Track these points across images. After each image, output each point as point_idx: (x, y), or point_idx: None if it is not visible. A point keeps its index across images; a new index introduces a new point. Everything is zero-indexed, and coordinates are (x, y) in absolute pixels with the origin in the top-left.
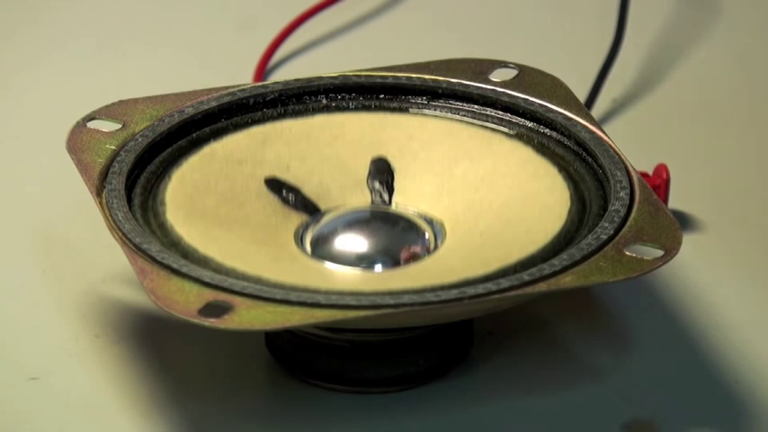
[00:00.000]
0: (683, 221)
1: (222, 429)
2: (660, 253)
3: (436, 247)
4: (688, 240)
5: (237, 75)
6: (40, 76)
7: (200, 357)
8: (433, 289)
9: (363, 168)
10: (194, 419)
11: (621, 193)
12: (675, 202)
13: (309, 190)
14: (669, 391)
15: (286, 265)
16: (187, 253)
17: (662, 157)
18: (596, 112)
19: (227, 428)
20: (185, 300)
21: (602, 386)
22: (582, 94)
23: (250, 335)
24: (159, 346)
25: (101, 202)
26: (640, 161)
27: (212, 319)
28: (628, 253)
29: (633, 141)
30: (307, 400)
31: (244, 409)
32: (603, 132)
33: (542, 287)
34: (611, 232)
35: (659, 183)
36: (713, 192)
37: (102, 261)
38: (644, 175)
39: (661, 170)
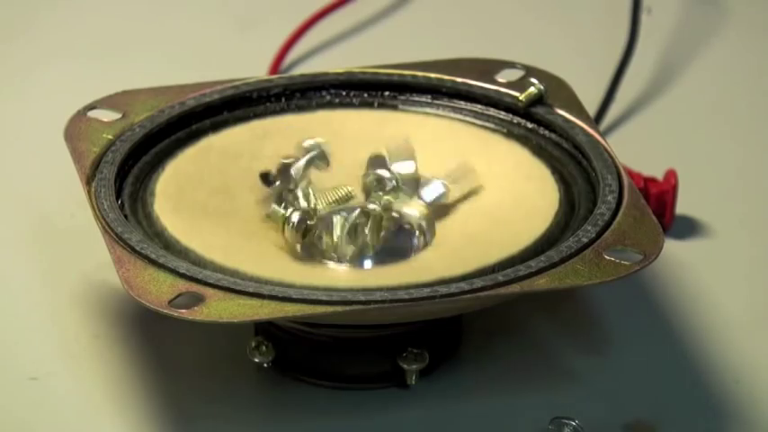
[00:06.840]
0: (692, 226)
1: (212, 424)
2: (639, 257)
3: (425, 245)
4: (696, 244)
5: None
6: (46, 69)
7: (192, 353)
8: (407, 287)
9: (361, 165)
10: (188, 416)
11: (609, 197)
12: (686, 207)
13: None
14: (669, 392)
15: (268, 259)
16: (169, 244)
17: (674, 161)
18: (610, 116)
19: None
20: (158, 290)
21: (605, 386)
22: (592, 97)
23: (242, 329)
24: (157, 344)
25: (89, 191)
26: (651, 166)
27: (182, 311)
28: (607, 257)
29: (645, 146)
30: (292, 396)
31: (233, 406)
32: (601, 135)
33: (516, 288)
34: (593, 235)
35: (667, 188)
36: (723, 197)
37: (102, 259)
38: (652, 180)
39: (670, 175)
